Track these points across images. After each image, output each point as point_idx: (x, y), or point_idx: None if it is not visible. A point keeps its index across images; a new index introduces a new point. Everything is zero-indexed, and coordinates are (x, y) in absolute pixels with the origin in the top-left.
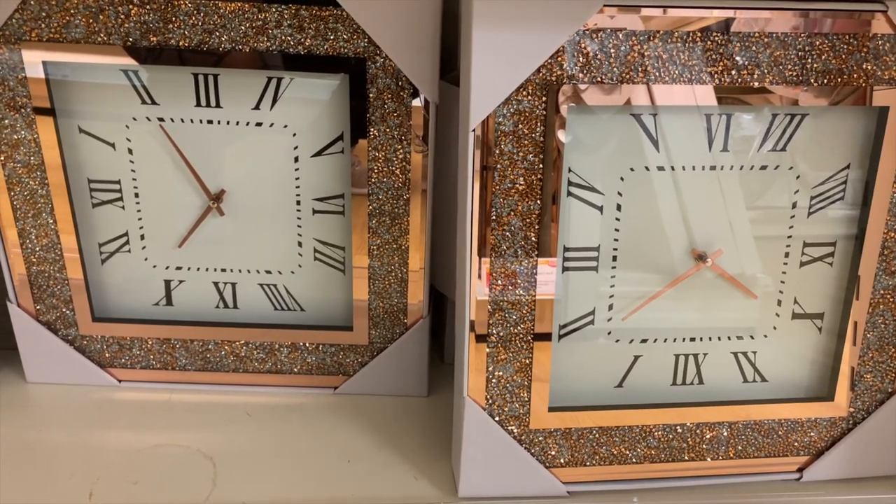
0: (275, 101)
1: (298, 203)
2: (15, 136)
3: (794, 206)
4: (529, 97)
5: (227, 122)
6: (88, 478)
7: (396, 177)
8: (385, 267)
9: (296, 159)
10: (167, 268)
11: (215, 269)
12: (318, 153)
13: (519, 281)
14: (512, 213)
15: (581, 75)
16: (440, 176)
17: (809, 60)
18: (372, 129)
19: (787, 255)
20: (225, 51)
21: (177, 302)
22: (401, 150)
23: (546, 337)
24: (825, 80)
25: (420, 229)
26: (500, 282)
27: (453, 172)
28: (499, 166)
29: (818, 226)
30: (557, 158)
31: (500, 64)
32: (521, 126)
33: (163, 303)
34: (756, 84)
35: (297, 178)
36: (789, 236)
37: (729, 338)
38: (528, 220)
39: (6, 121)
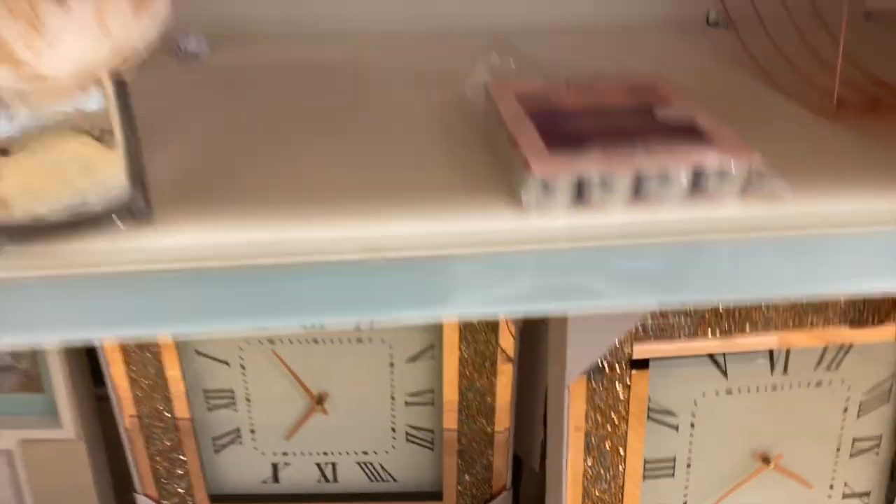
0: None
1: (393, 398)
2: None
3: (845, 410)
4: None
5: (331, 341)
6: None
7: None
8: (473, 444)
9: (391, 364)
10: (274, 454)
11: (318, 453)
12: (412, 359)
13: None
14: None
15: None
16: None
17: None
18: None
19: (838, 449)
20: None
21: (283, 479)
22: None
23: None
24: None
25: (507, 404)
26: None
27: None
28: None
29: (867, 426)
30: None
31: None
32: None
33: (270, 481)
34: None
35: (391, 378)
36: (841, 436)
37: None
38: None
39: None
